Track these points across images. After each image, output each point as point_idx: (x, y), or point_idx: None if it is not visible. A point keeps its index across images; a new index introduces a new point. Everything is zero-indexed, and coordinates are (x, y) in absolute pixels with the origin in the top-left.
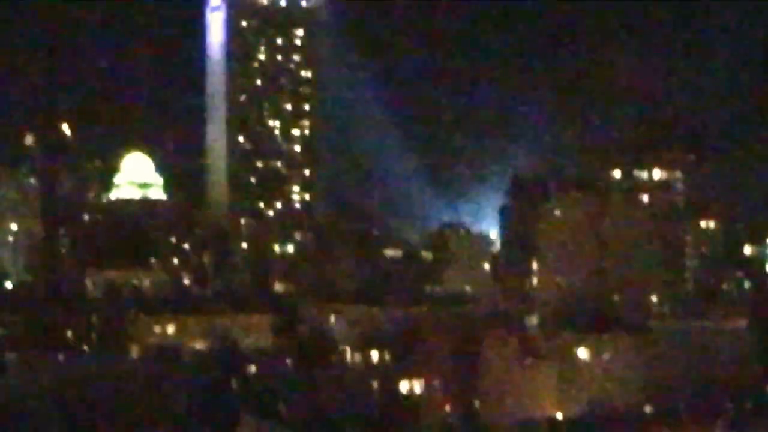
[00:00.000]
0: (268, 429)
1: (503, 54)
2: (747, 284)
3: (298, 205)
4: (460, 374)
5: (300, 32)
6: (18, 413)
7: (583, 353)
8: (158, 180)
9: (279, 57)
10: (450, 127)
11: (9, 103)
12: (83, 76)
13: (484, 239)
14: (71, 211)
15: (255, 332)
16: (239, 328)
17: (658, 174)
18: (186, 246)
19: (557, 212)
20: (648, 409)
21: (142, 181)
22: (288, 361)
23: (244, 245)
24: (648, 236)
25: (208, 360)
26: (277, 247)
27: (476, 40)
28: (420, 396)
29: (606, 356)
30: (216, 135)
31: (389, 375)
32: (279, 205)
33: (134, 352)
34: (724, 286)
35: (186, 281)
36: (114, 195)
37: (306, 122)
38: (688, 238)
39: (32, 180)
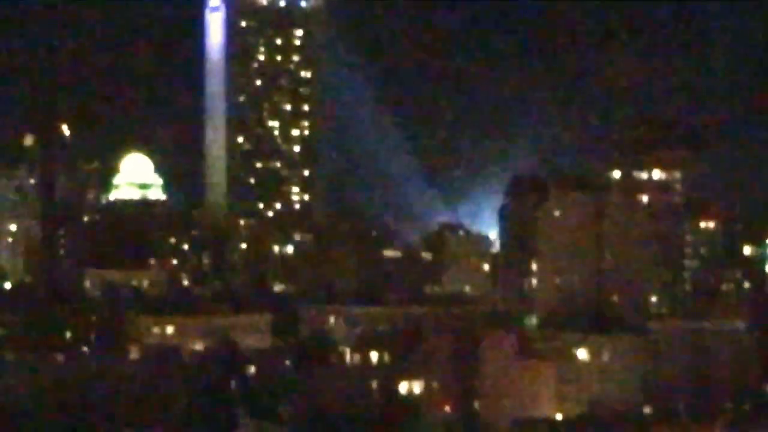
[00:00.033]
0: (268, 429)
1: (503, 54)
2: (746, 284)
3: (297, 206)
4: (460, 374)
5: (299, 32)
6: (17, 413)
7: (582, 353)
8: (157, 181)
9: (278, 57)
10: (449, 128)
11: (8, 104)
12: (82, 76)
13: (484, 240)
14: (70, 212)
15: (255, 332)
16: (239, 328)
17: (657, 174)
18: (185, 246)
19: (556, 213)
20: (647, 409)
21: (142, 181)
22: (287, 361)
23: (244, 246)
24: (647, 236)
25: (207, 360)
26: (276, 248)
27: (476, 40)
28: (419, 396)
29: (605, 356)
30: (215, 135)
31: (389, 375)
32: (278, 205)
33: (133, 352)
34: (723, 287)
35: (185, 281)
36: (113, 195)
37: (305, 122)
38: (687, 238)
39: (31, 180)
